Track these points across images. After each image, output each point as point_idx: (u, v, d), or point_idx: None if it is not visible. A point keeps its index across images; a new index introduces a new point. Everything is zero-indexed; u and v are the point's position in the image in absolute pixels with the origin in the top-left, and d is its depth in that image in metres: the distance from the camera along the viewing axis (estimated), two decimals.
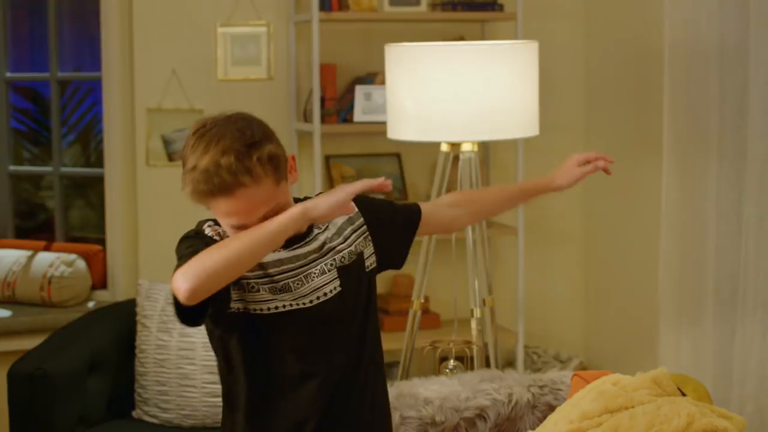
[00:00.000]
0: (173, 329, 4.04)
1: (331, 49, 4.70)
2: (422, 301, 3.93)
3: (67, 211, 5.36)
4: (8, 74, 5.28)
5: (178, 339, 4.03)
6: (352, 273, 2.46)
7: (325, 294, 2.41)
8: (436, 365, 3.90)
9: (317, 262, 2.41)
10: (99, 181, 4.92)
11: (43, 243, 4.91)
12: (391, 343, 4.56)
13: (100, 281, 4.85)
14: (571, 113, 5.07)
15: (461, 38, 4.75)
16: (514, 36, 4.70)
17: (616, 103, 4.86)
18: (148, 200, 4.69)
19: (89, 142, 5.85)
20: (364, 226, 2.50)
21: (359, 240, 2.49)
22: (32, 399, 3.75)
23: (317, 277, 2.40)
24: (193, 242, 2.34)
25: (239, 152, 2.22)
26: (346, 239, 2.46)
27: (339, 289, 2.42)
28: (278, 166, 2.28)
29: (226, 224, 2.33)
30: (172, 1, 4.64)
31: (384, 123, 3.84)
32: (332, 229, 2.45)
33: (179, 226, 4.80)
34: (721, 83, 3.91)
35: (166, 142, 4.65)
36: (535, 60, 3.70)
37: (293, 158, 2.37)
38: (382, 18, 4.69)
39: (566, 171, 2.82)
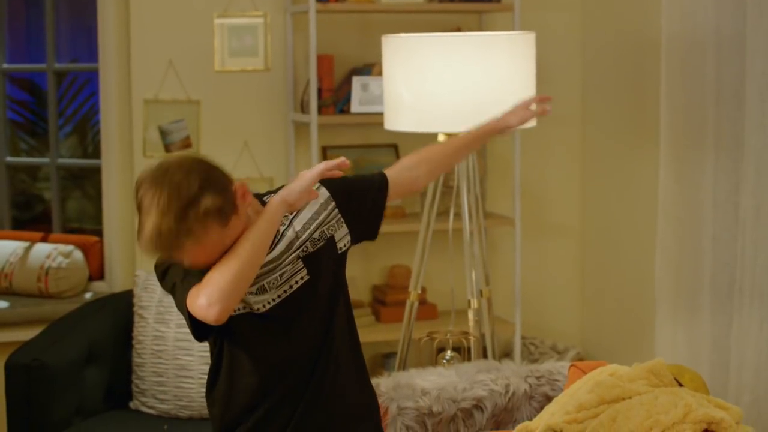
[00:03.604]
0: (170, 320, 4.04)
1: (328, 40, 4.70)
2: (419, 292, 3.93)
3: (64, 203, 5.37)
4: (5, 65, 5.27)
5: (175, 330, 4.03)
6: (320, 259, 2.51)
7: (291, 287, 2.48)
8: (434, 356, 3.90)
9: (287, 257, 2.48)
10: (96, 172, 4.91)
11: (40, 234, 4.91)
12: (388, 333, 4.59)
13: (98, 272, 4.85)
14: (568, 105, 5.07)
15: (458, 29, 4.75)
16: (511, 27, 4.69)
17: (613, 94, 4.86)
18: None
19: (86, 134, 5.85)
20: (336, 209, 2.53)
21: (331, 224, 2.52)
22: (29, 390, 3.75)
23: (287, 269, 2.48)
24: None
25: (177, 215, 2.27)
26: (307, 229, 2.50)
27: (307, 277, 2.49)
28: (220, 214, 2.32)
29: None
30: None
31: (381, 114, 3.84)
32: (297, 225, 2.49)
33: None
34: (718, 74, 3.91)
35: (163, 133, 4.64)
36: (532, 51, 3.70)
37: (242, 186, 2.39)
38: (379, 9, 4.68)
39: (516, 112, 2.92)
